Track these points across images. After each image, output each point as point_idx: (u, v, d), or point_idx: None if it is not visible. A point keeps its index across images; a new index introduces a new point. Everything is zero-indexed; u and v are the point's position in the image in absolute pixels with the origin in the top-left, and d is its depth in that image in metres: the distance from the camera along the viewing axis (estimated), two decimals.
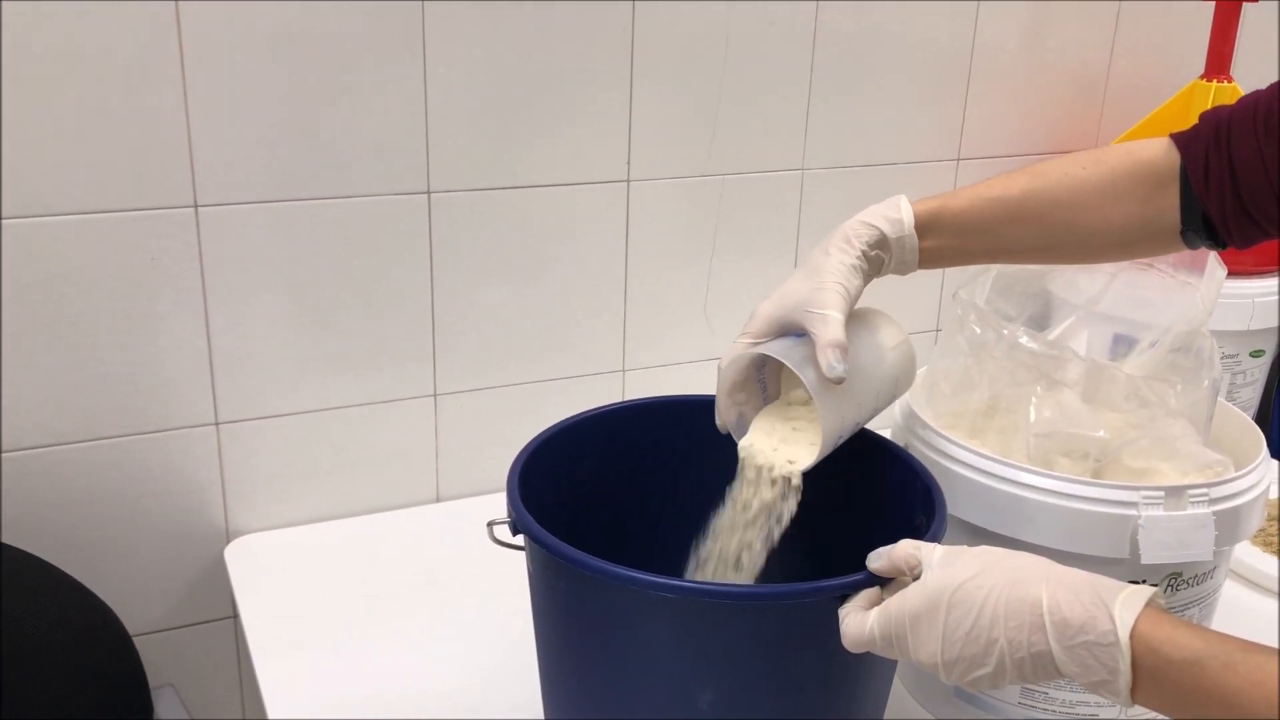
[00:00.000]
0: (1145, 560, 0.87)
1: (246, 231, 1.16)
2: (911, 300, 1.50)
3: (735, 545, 0.83)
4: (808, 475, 0.82)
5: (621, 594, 0.70)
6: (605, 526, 0.91)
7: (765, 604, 0.69)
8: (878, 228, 0.83)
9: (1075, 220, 0.84)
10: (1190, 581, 0.91)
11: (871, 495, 0.88)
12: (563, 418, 0.90)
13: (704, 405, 0.88)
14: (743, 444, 0.84)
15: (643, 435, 0.93)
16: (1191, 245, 0.84)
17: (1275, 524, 1.28)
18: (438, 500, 1.34)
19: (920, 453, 0.95)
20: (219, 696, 1.31)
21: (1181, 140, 0.82)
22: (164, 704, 1.13)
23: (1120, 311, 1.05)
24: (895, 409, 1.03)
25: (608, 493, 0.92)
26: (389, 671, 1.06)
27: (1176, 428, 0.86)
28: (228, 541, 1.25)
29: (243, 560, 1.23)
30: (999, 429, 0.95)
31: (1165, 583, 0.90)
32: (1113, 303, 1.05)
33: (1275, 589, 1.21)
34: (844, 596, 0.70)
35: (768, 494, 0.82)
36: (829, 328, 0.77)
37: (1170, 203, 0.82)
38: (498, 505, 0.78)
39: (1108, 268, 1.06)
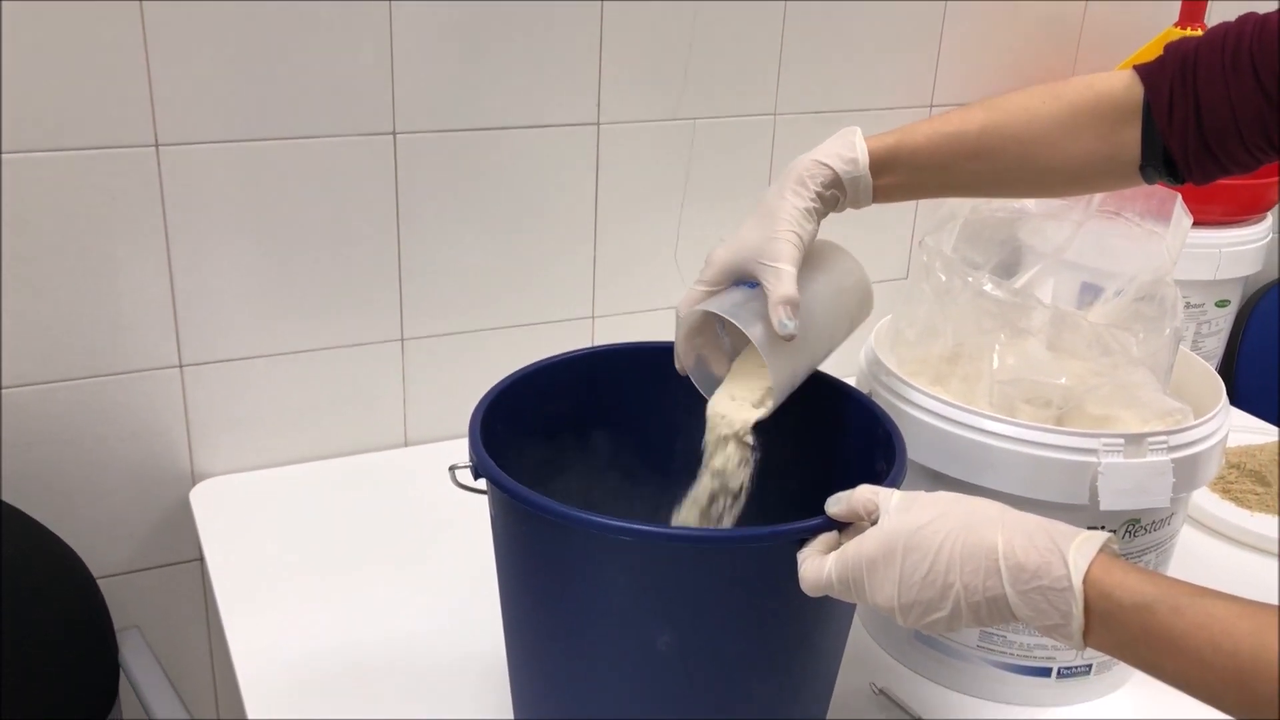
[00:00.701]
0: (1104, 506, 0.87)
1: (208, 171, 1.15)
2: (881, 248, 1.50)
3: (711, 507, 0.84)
4: (767, 423, 0.82)
5: (580, 537, 0.70)
6: (574, 472, 0.91)
7: (723, 548, 0.70)
8: (831, 168, 0.82)
9: (1033, 155, 0.83)
10: (1148, 527, 0.92)
11: (833, 441, 0.88)
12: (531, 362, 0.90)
13: (672, 351, 0.87)
14: (709, 408, 0.84)
15: (612, 381, 0.92)
16: (1149, 180, 0.83)
17: (1234, 471, 1.30)
18: (405, 444, 1.34)
19: (883, 399, 0.95)
20: (186, 638, 1.31)
21: (1145, 73, 0.81)
22: (129, 645, 1.14)
23: (1087, 260, 1.05)
24: (860, 356, 1.03)
25: (577, 439, 0.91)
26: (355, 614, 1.06)
27: (1138, 376, 0.87)
28: (193, 484, 1.25)
29: (208, 503, 1.22)
30: (962, 376, 0.96)
31: (1123, 529, 0.91)
32: (1079, 251, 1.05)
33: (1231, 535, 1.23)
34: (802, 541, 0.70)
35: (734, 454, 0.83)
36: (781, 283, 0.77)
37: (1131, 138, 0.81)
38: (465, 449, 0.77)
39: (1075, 215, 1.06)
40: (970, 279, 0.94)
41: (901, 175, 0.84)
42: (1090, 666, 0.98)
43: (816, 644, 0.78)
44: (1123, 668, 1.00)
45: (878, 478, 0.80)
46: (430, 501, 1.21)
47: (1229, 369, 1.70)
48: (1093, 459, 0.88)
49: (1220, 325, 1.56)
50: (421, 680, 0.98)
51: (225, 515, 1.20)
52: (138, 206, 1.13)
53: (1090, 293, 1.05)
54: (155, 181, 1.13)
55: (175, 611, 1.29)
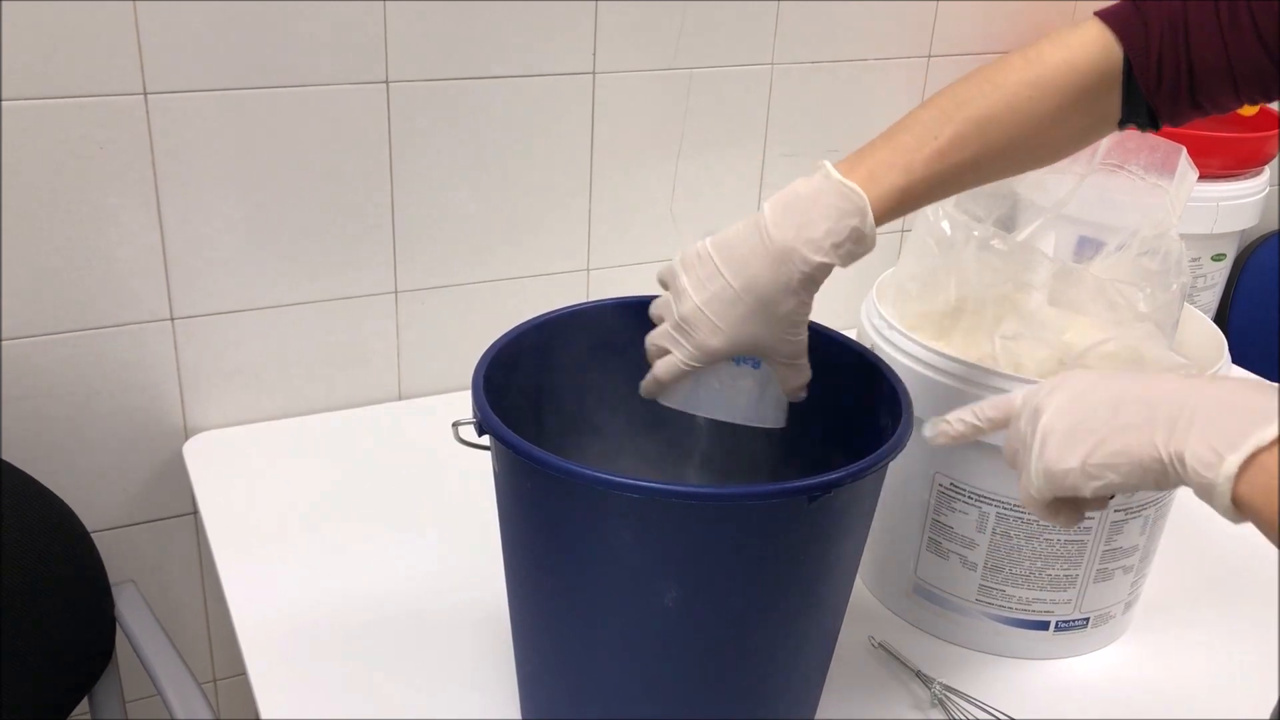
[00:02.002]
0: None
1: (199, 121, 1.12)
2: None
3: None
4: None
5: (587, 494, 0.70)
6: (573, 428, 0.91)
7: (731, 505, 0.69)
8: (833, 265, 0.76)
9: (1026, 151, 0.81)
10: None
11: (834, 396, 0.88)
12: (526, 316, 0.88)
13: None
14: None
15: (613, 335, 0.91)
16: (1122, 128, 0.82)
17: None
18: (400, 398, 1.33)
19: (884, 353, 0.95)
20: (182, 591, 1.31)
21: (1125, 35, 0.76)
22: (125, 600, 1.13)
23: (1088, 214, 1.04)
24: (861, 310, 1.02)
25: (577, 393, 0.91)
26: (352, 567, 1.06)
27: (1143, 331, 0.86)
28: (186, 438, 1.24)
29: (202, 457, 1.21)
30: (965, 330, 0.95)
31: None
32: (1081, 205, 1.04)
33: None
34: (812, 498, 0.69)
35: None
36: (801, 375, 0.82)
37: (1112, 102, 0.78)
38: (460, 403, 0.77)
39: (1078, 169, 1.04)
40: (976, 232, 0.94)
41: (904, 213, 0.80)
42: (1087, 620, 0.98)
43: (823, 598, 0.78)
44: (1119, 621, 1.01)
45: (881, 434, 0.80)
46: (425, 454, 1.21)
47: (1222, 323, 1.71)
48: None
49: (1216, 279, 1.56)
50: (421, 633, 0.98)
51: (219, 469, 1.20)
52: (127, 157, 1.11)
53: (1089, 247, 1.04)
54: (144, 131, 1.11)
55: (170, 565, 1.29)
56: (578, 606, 0.76)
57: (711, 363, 0.79)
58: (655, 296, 0.83)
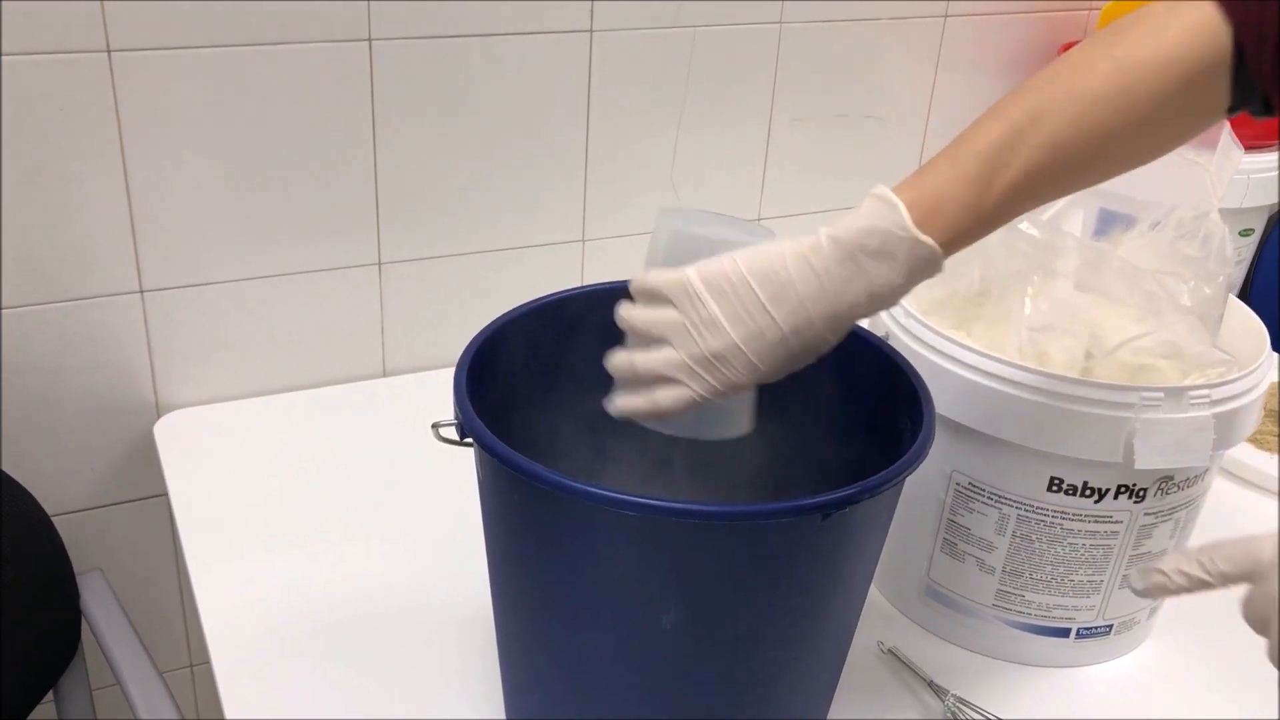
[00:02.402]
0: (1139, 465, 0.81)
1: (167, 81, 1.05)
2: (895, 175, 1.42)
3: None
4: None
5: (580, 509, 0.63)
6: (566, 426, 0.84)
7: (738, 524, 0.63)
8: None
9: (1114, 168, 0.71)
10: (1181, 484, 0.86)
11: (849, 393, 0.81)
12: (518, 289, 0.81)
13: None
14: None
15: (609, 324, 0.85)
16: (1231, 116, 0.73)
17: (1275, 418, 1.24)
18: (384, 374, 1.27)
19: (900, 342, 0.88)
20: (158, 575, 1.25)
21: (1238, 20, 0.65)
22: (91, 589, 1.07)
23: (1118, 188, 0.97)
24: None
25: (569, 388, 0.84)
26: (329, 558, 1.00)
27: (1186, 327, 0.79)
28: (158, 417, 1.17)
29: (174, 437, 1.15)
30: (989, 319, 0.89)
31: (1155, 486, 0.85)
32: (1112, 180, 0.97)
33: (1254, 481, 1.17)
34: (825, 515, 0.63)
35: None
36: None
37: (1219, 92, 0.68)
38: (448, 381, 0.70)
39: None
40: None
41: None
42: (1110, 627, 0.92)
43: (834, 616, 0.72)
44: (1143, 626, 0.95)
45: (899, 437, 0.74)
46: (410, 435, 1.12)
47: (1244, 300, 1.64)
48: (1128, 414, 0.81)
49: (1241, 255, 1.49)
50: (402, 629, 0.92)
51: (192, 449, 1.13)
52: (90, 118, 1.04)
53: (1117, 222, 0.97)
54: (109, 90, 1.03)
55: (145, 548, 1.22)
56: (568, 623, 0.70)
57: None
58: None
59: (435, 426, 0.70)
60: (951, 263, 0.90)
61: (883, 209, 0.66)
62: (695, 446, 0.88)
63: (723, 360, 0.65)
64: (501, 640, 0.79)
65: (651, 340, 0.67)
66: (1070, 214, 0.98)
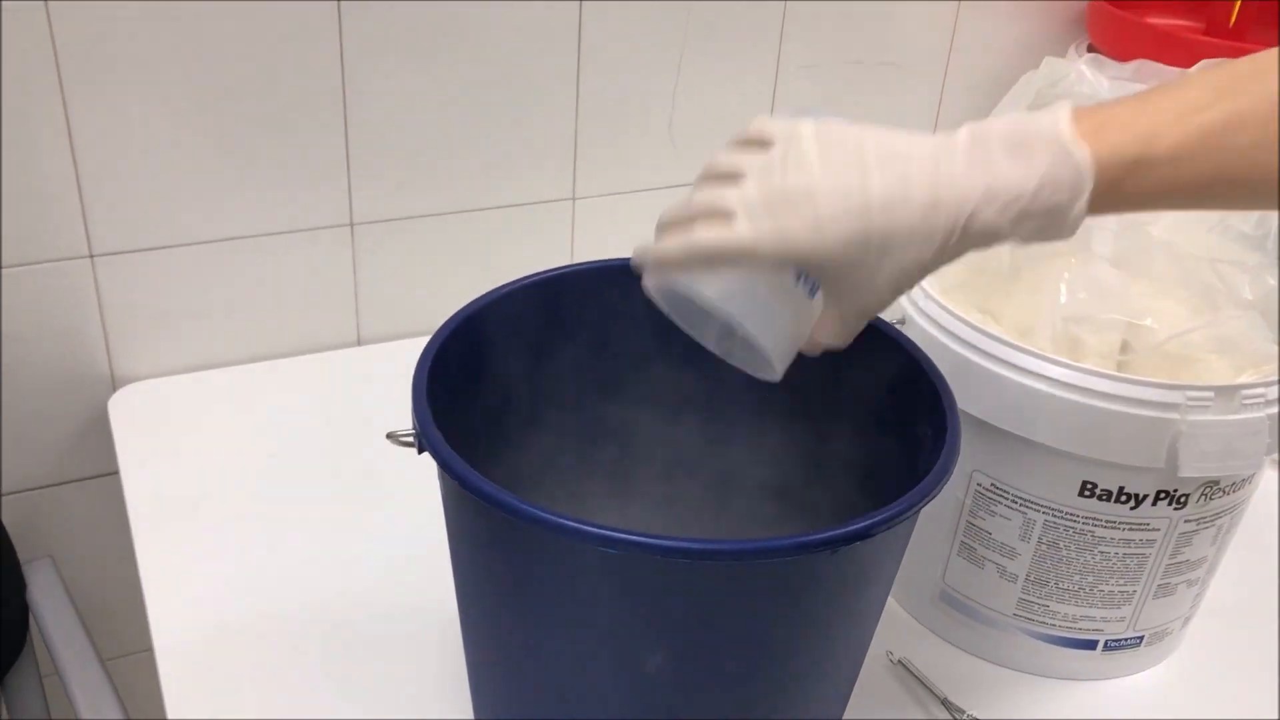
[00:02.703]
0: (1184, 473, 0.73)
1: (112, 23, 0.95)
2: (912, 127, 1.32)
3: None
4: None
5: (554, 543, 0.55)
6: (547, 429, 0.76)
7: (734, 562, 0.55)
8: (1002, 239, 0.57)
9: None
10: (1227, 489, 0.78)
11: (860, 389, 0.72)
12: (504, 252, 0.72)
13: None
14: None
15: (585, 304, 0.76)
16: None
17: None
18: (358, 343, 1.18)
19: (918, 329, 0.79)
20: (113, 556, 1.17)
21: None
22: (39, 578, 0.99)
23: None
24: None
25: (552, 385, 0.75)
26: (295, 540, 0.92)
27: (1246, 321, 0.71)
28: (114, 390, 1.09)
29: (129, 411, 1.07)
30: (1020, 304, 0.80)
31: (1199, 491, 0.77)
32: None
33: None
34: (833, 550, 0.55)
35: None
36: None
37: None
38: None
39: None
40: None
41: (1127, 205, 0.58)
42: (1141, 638, 0.85)
43: (842, 651, 0.64)
44: (1175, 637, 0.88)
45: (917, 444, 0.66)
46: (386, 408, 1.03)
47: None
48: (1174, 415, 0.72)
49: None
50: (368, 626, 0.85)
51: (149, 425, 1.05)
52: (27, 65, 0.94)
53: None
54: (46, 36, 0.93)
55: (100, 530, 1.15)
56: (540, 656, 0.62)
57: (773, 268, 0.58)
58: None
59: (391, 436, 0.62)
60: None
61: (1039, 113, 0.56)
62: (699, 446, 0.80)
63: (792, 205, 0.54)
64: (469, 655, 0.72)
65: (719, 176, 0.57)
66: None
